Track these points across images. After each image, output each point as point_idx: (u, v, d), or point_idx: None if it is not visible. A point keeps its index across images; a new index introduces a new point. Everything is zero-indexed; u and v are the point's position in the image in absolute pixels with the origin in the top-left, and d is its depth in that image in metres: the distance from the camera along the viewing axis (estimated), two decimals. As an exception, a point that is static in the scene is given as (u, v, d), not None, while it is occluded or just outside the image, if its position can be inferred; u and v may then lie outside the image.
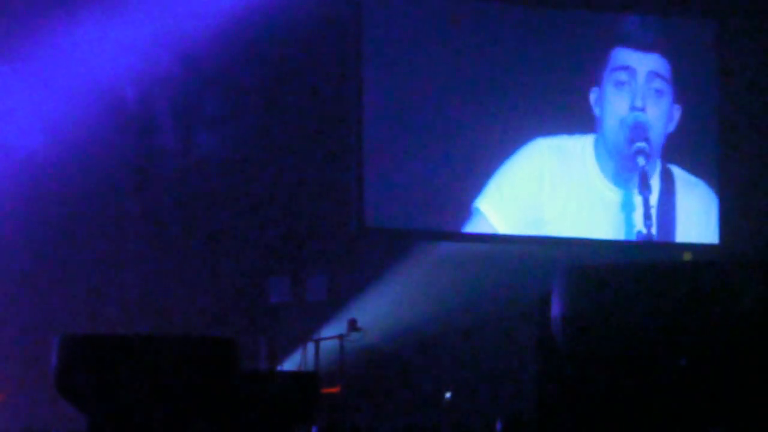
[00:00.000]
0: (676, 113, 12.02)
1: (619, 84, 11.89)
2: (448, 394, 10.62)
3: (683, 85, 12.06)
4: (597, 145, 11.80)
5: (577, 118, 11.77)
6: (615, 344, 4.76)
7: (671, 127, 11.99)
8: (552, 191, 11.59)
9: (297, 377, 8.11)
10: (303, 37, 11.19)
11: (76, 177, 10.52)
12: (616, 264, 5.06)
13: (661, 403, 4.75)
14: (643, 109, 11.86)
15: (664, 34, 12.10)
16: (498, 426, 8.79)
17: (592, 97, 11.82)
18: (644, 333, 4.72)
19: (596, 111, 11.81)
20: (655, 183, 11.90)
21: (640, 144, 11.78)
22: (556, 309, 5.10)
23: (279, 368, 10.26)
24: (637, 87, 11.90)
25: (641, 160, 11.74)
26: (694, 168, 12.09)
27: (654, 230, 11.79)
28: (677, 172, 12.01)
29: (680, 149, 12.03)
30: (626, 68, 11.88)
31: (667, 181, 11.98)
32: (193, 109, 11.07)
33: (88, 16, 10.50)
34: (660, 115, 11.94)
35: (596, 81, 11.85)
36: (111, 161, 10.73)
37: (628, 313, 4.70)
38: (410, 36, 11.45)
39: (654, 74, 11.95)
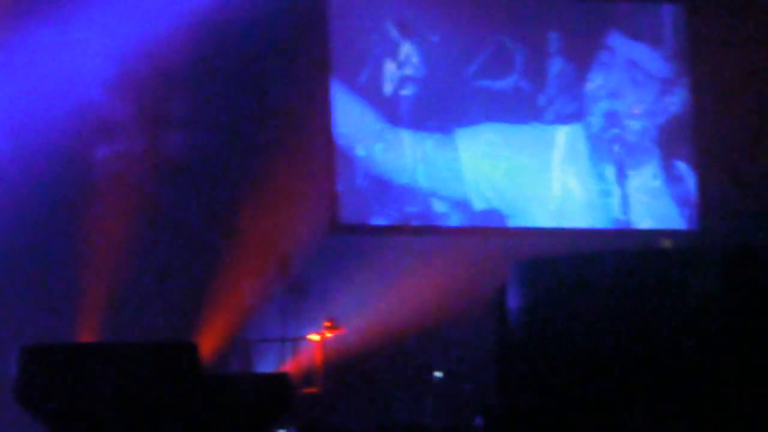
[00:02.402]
0: (663, 104, 11.94)
1: (598, 65, 11.81)
2: (437, 374, 10.50)
3: (671, 74, 12.00)
4: (576, 132, 11.74)
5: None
6: (568, 336, 4.61)
7: (656, 117, 11.92)
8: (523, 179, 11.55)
9: (269, 379, 7.99)
10: (272, 36, 11.09)
11: (41, 181, 10.36)
12: (571, 254, 4.92)
13: (621, 395, 4.61)
14: (618, 97, 11.80)
15: (657, 23, 12.03)
16: (477, 421, 8.67)
17: (562, 63, 11.75)
18: (599, 323, 4.57)
19: (568, 78, 11.75)
20: (635, 169, 11.82)
21: (615, 131, 11.73)
22: (511, 301, 5.01)
23: (254, 370, 10.15)
24: (617, 73, 11.83)
25: (616, 147, 11.71)
26: (673, 153, 12.00)
27: (633, 217, 11.74)
28: (654, 155, 11.93)
29: (656, 133, 11.94)
30: (611, 51, 11.82)
31: (644, 165, 11.90)
32: (160, 111, 10.92)
33: (56, 17, 10.35)
34: (634, 105, 11.88)
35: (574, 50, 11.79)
36: (77, 165, 10.59)
37: (580, 304, 4.56)
38: (379, 31, 11.37)
39: (636, 63, 11.88)
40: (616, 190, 11.76)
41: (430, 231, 11.29)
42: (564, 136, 11.73)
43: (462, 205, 11.39)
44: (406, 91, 11.39)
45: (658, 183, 11.91)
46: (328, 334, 10.15)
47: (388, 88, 11.35)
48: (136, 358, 6.46)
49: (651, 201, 11.87)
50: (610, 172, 11.76)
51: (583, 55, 11.85)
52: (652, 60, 12.03)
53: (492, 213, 11.47)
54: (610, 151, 11.76)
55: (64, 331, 10.05)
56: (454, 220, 11.36)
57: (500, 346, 5.53)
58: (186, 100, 10.98)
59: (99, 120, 10.64)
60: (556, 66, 11.77)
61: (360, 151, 11.19)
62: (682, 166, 12.04)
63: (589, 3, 11.98)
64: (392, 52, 11.39)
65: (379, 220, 11.20)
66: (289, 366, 10.17)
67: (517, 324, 4.94)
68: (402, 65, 11.38)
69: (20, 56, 10.31)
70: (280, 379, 7.51)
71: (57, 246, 10.47)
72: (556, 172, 11.66)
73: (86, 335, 10.13)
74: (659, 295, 4.45)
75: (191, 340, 8.10)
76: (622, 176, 11.75)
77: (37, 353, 6.48)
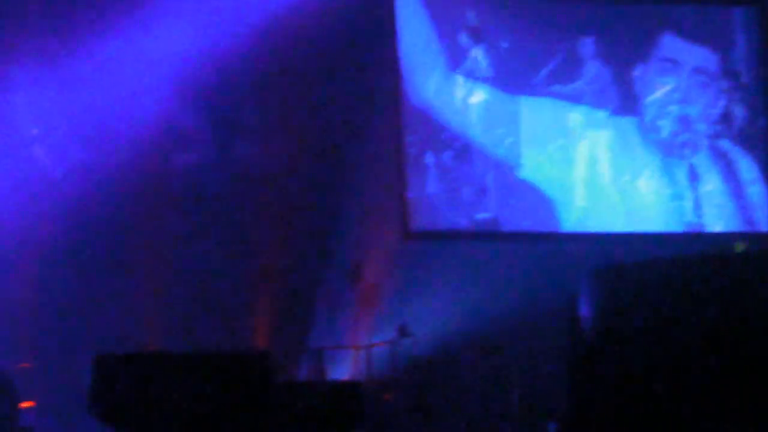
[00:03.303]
0: (734, 107, 11.71)
1: (665, 71, 11.60)
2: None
3: (733, 76, 11.76)
4: (640, 132, 11.52)
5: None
6: (646, 345, 4.43)
7: (727, 121, 11.68)
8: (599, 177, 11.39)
9: (341, 387, 7.88)
10: (341, 43, 11.01)
11: (114, 194, 10.35)
12: (647, 261, 4.72)
13: (700, 404, 4.42)
14: (688, 102, 11.59)
15: (716, 25, 11.80)
16: (551, 428, 8.49)
17: (636, 72, 11.54)
18: (678, 332, 4.38)
19: (638, 89, 11.53)
20: (706, 172, 11.61)
21: (686, 135, 11.53)
22: (584, 309, 4.83)
23: (327, 378, 10.05)
24: (683, 79, 11.62)
25: (688, 152, 11.51)
26: (747, 153, 11.75)
27: (705, 220, 11.51)
28: (726, 159, 11.69)
29: (730, 137, 11.71)
30: (673, 59, 11.60)
31: (717, 169, 11.66)
32: (232, 120, 10.88)
33: (125, 27, 10.35)
34: (705, 107, 11.66)
35: (643, 58, 11.54)
36: (151, 175, 10.56)
37: (657, 311, 4.37)
38: (445, 39, 11.25)
39: (701, 69, 11.66)
40: (688, 194, 11.53)
41: (500, 237, 11.13)
42: (635, 141, 11.52)
43: (532, 210, 11.21)
44: (476, 98, 11.23)
45: (730, 186, 11.66)
46: (400, 341, 10.04)
47: (458, 94, 11.20)
48: (209, 367, 6.41)
49: (723, 204, 11.63)
50: (681, 175, 11.54)
51: (653, 61, 11.63)
52: (720, 63, 11.79)
53: (565, 218, 11.28)
54: (682, 155, 11.55)
55: (139, 341, 10.05)
56: (524, 226, 11.17)
57: (573, 352, 5.34)
58: (257, 109, 10.93)
59: (171, 129, 10.62)
60: (625, 72, 11.57)
61: (429, 159, 11.05)
62: (754, 169, 11.78)
63: (656, 7, 11.75)
64: (462, 58, 11.24)
65: (450, 227, 11.04)
66: (362, 373, 10.05)
67: (592, 331, 4.76)
68: (471, 72, 11.22)
69: (93, 67, 10.31)
70: (352, 387, 7.39)
71: (130, 254, 10.46)
72: (627, 177, 11.45)
73: (158, 343, 10.12)
74: (739, 300, 4.26)
75: (264, 349, 8.03)
76: (694, 179, 11.53)
77: (112, 362, 6.45)
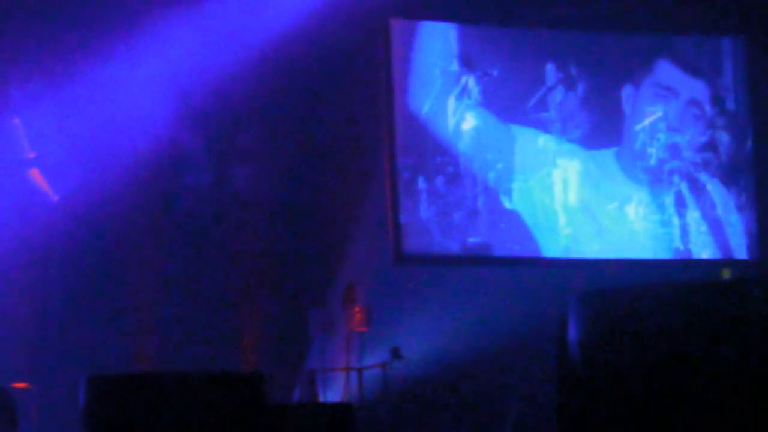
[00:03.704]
0: (722, 135, 11.75)
1: (658, 98, 11.65)
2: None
3: (720, 104, 11.81)
4: (621, 159, 11.56)
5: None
6: (634, 370, 4.44)
7: (706, 147, 11.73)
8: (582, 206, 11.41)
9: (333, 409, 7.88)
10: (336, 70, 11.05)
11: (114, 213, 10.36)
12: (635, 286, 4.74)
13: (687, 429, 4.42)
14: (679, 131, 11.64)
15: (707, 56, 11.86)
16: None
17: (625, 92, 11.59)
18: (665, 357, 4.39)
19: (626, 109, 11.57)
20: (693, 199, 11.64)
21: (675, 162, 11.57)
22: (572, 333, 4.84)
23: (319, 400, 10.03)
24: (676, 108, 11.67)
25: (676, 179, 11.55)
26: (733, 181, 11.79)
27: (692, 247, 11.55)
28: (714, 186, 11.73)
29: (716, 164, 11.75)
30: (669, 87, 11.66)
31: (704, 196, 11.70)
32: (227, 146, 10.90)
33: (123, 51, 10.36)
34: (693, 135, 11.71)
35: (636, 83, 11.59)
36: (149, 199, 10.58)
37: (645, 337, 4.38)
38: (441, 65, 11.29)
39: (696, 101, 11.72)
40: (675, 221, 11.57)
41: (491, 262, 11.15)
42: (623, 168, 11.55)
43: (522, 235, 11.23)
44: (467, 124, 11.27)
45: (717, 213, 11.70)
46: (392, 364, 10.04)
47: (450, 120, 11.24)
48: (202, 388, 6.38)
49: (709, 231, 11.66)
50: (669, 202, 11.57)
51: (642, 88, 11.67)
52: (710, 92, 11.85)
53: (553, 243, 11.31)
54: (670, 182, 11.59)
55: (129, 361, 10.06)
56: (515, 251, 11.20)
57: (562, 378, 5.35)
58: (252, 135, 10.95)
59: (169, 155, 10.63)
60: (614, 98, 11.61)
61: (422, 184, 11.07)
62: (742, 197, 11.81)
63: (647, 36, 11.81)
64: (454, 85, 11.28)
65: (441, 251, 11.06)
66: (354, 396, 10.04)
67: (579, 356, 4.77)
68: (463, 98, 11.26)
69: (93, 92, 10.33)
70: (345, 409, 7.40)
71: (126, 275, 10.47)
72: (616, 203, 11.48)
73: (150, 365, 10.11)
74: (724, 328, 4.27)
75: (258, 371, 8.02)
76: (681, 206, 11.58)
77: (105, 383, 6.42)
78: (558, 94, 11.48)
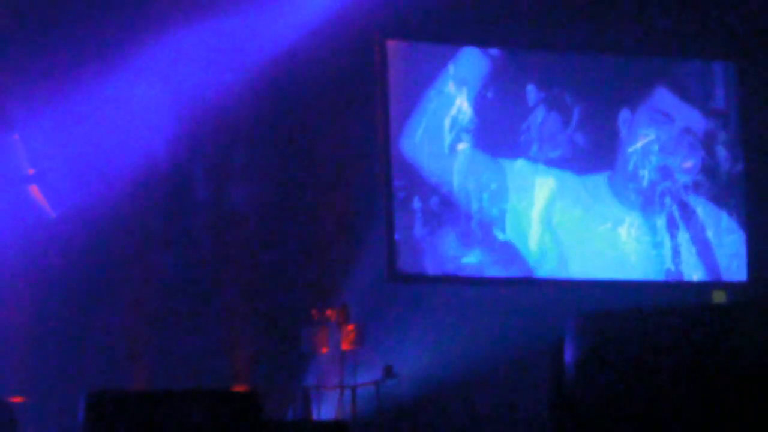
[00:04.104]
0: (713, 157, 11.83)
1: (654, 122, 11.71)
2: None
3: (714, 131, 11.89)
4: (614, 181, 11.60)
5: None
6: (628, 391, 4.47)
7: (705, 171, 11.80)
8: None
9: (328, 427, 7.88)
10: (331, 90, 11.09)
11: (108, 231, 10.37)
12: (630, 309, 4.77)
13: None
14: (671, 153, 11.70)
15: (705, 82, 11.94)
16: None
17: (622, 116, 11.65)
18: (658, 380, 4.43)
19: (622, 132, 11.62)
20: (685, 221, 11.69)
21: (666, 184, 11.63)
22: (569, 354, 4.87)
23: (313, 417, 10.03)
24: (670, 133, 11.74)
25: (668, 201, 11.60)
26: (724, 203, 11.85)
27: (683, 268, 11.59)
28: (705, 208, 11.78)
29: (707, 186, 11.81)
30: (666, 113, 11.73)
31: (695, 218, 11.76)
32: (222, 165, 10.92)
33: (122, 73, 10.39)
34: (685, 158, 11.77)
35: (632, 107, 11.64)
36: (143, 216, 10.59)
37: (638, 358, 4.42)
38: (436, 86, 11.34)
39: (690, 129, 11.80)
40: (667, 242, 11.62)
41: (484, 282, 11.18)
42: (616, 190, 11.60)
43: (515, 256, 11.27)
44: (461, 145, 11.31)
45: (708, 235, 11.75)
46: (385, 382, 10.06)
47: (445, 141, 11.28)
48: (200, 405, 6.40)
49: (700, 252, 11.70)
50: (661, 224, 11.62)
51: (639, 113, 11.73)
52: (704, 119, 11.92)
53: (545, 264, 11.34)
54: (662, 203, 11.64)
55: (124, 378, 10.06)
56: (507, 271, 11.23)
57: (556, 396, 5.37)
58: (248, 154, 10.97)
59: (165, 172, 10.66)
60: (608, 121, 11.67)
61: (416, 204, 11.11)
62: (732, 219, 11.87)
63: (641, 60, 11.87)
64: (449, 106, 11.32)
65: (435, 271, 11.09)
66: (347, 413, 10.05)
67: (575, 377, 4.79)
68: (457, 119, 11.30)
69: (89, 110, 10.35)
70: (339, 427, 7.41)
71: (125, 293, 10.48)
72: (608, 224, 11.52)
73: (145, 382, 10.11)
74: (717, 350, 4.30)
75: (254, 389, 8.04)
76: (673, 228, 11.62)
77: (103, 399, 6.43)
78: (552, 117, 11.53)
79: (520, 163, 11.40)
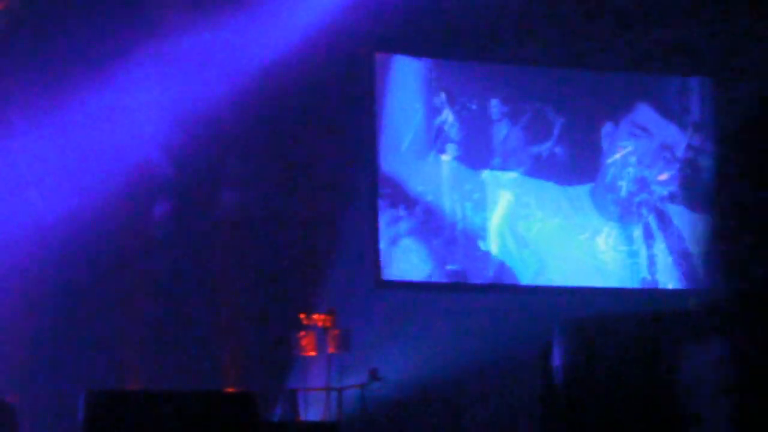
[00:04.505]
0: (689, 170, 12.01)
1: (632, 136, 11.89)
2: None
3: (697, 143, 12.07)
4: (594, 193, 11.78)
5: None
6: (612, 395, 4.64)
7: (681, 183, 11.99)
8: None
9: (320, 428, 8.00)
10: (321, 100, 11.22)
11: (103, 237, 10.45)
12: (613, 314, 4.96)
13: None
14: (648, 166, 11.88)
15: (682, 96, 12.12)
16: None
17: (605, 130, 11.83)
18: (642, 383, 4.60)
19: (604, 145, 11.81)
20: (660, 231, 11.86)
21: (643, 195, 11.80)
22: (556, 359, 5.02)
23: (302, 419, 10.16)
24: (648, 146, 11.91)
25: (644, 211, 11.76)
26: (697, 214, 12.03)
27: (659, 277, 11.76)
28: (681, 218, 11.96)
29: (682, 197, 11.99)
30: (645, 128, 11.91)
31: (671, 228, 11.93)
32: (215, 173, 11.03)
33: (114, 80, 10.48)
34: (660, 170, 11.95)
35: (613, 119, 11.82)
36: (136, 223, 10.69)
37: (624, 363, 4.59)
38: (422, 98, 11.49)
39: (668, 145, 11.97)
40: (643, 252, 11.78)
41: (469, 288, 11.33)
42: (596, 202, 11.76)
43: (498, 263, 11.42)
44: (446, 156, 11.47)
45: (684, 245, 11.91)
46: (371, 385, 10.19)
47: (430, 151, 11.43)
48: (197, 406, 6.47)
49: (676, 262, 11.87)
50: (638, 234, 11.79)
51: (623, 124, 11.92)
52: (682, 134, 12.08)
53: (526, 272, 11.50)
54: (639, 214, 11.81)
55: (117, 378, 10.15)
56: (491, 278, 11.38)
57: (545, 403, 5.53)
58: (239, 162, 11.08)
59: (156, 180, 10.75)
60: (588, 134, 11.85)
61: (402, 212, 11.25)
62: (706, 229, 12.03)
63: (620, 75, 12.05)
64: (434, 117, 11.48)
65: (420, 277, 11.24)
66: (333, 415, 10.18)
67: (562, 382, 4.94)
68: (442, 130, 11.47)
69: (82, 119, 10.42)
70: (331, 428, 7.53)
71: (118, 296, 10.56)
72: (587, 234, 11.69)
73: (140, 383, 10.19)
74: (697, 356, 4.47)
75: (250, 390, 8.11)
76: (649, 238, 11.79)
77: (103, 398, 6.49)
78: (535, 129, 11.72)
79: (502, 174, 11.57)
